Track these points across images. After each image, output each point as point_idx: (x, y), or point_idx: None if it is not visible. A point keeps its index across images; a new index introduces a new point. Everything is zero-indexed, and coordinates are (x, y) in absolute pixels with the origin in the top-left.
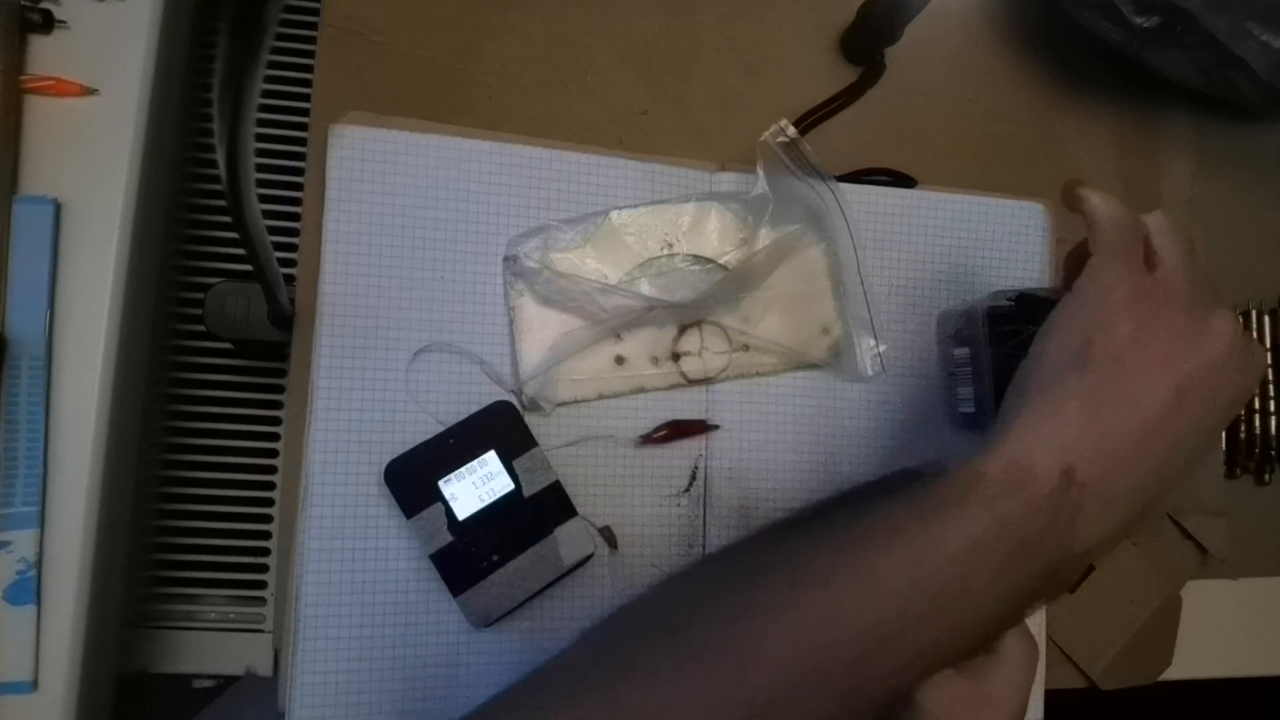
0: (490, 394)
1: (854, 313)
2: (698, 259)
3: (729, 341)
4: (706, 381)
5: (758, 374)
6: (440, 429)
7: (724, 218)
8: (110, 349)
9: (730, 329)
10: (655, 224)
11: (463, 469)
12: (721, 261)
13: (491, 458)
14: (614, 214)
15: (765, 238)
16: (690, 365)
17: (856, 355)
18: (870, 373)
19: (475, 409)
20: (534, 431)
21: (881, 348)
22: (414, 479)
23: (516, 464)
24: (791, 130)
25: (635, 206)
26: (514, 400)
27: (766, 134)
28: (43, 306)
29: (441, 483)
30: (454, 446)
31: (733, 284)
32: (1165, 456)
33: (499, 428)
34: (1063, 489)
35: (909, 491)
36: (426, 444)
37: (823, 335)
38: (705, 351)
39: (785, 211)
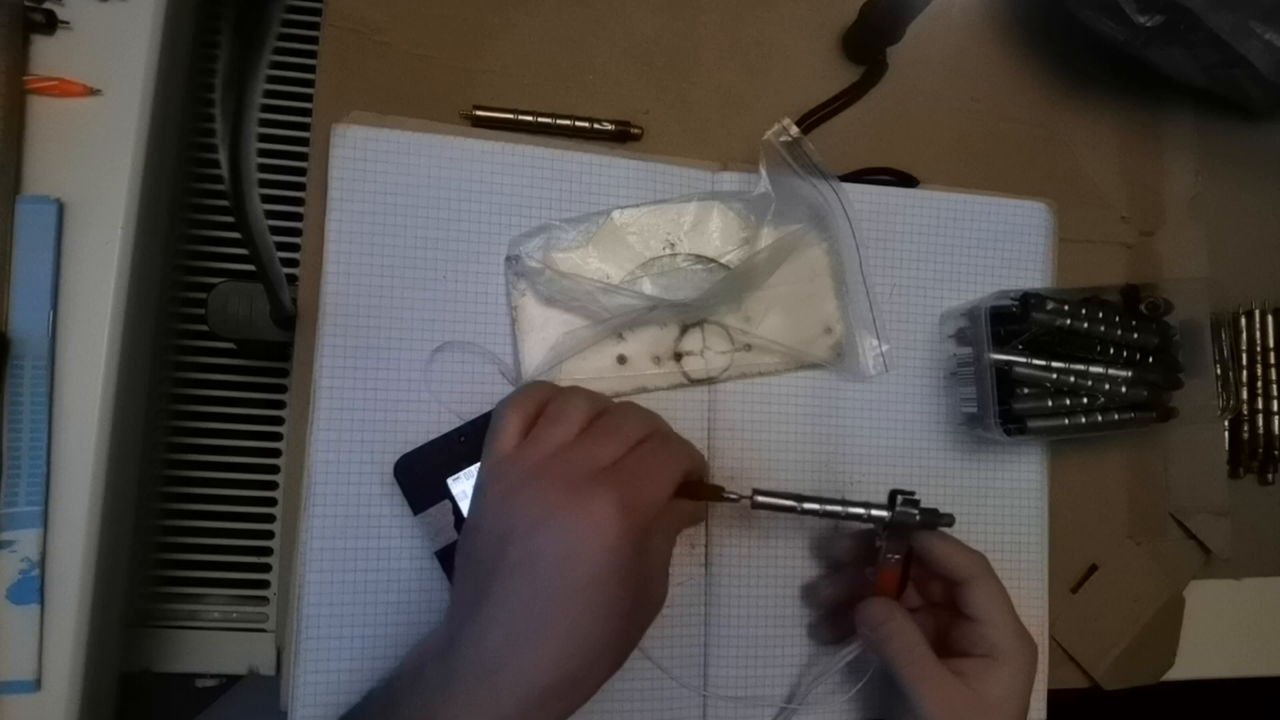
0: (502, 393)
1: (856, 312)
2: (700, 258)
3: (731, 341)
4: (709, 381)
5: (760, 374)
6: (451, 424)
7: (726, 217)
8: (113, 349)
9: (732, 328)
10: (657, 223)
11: (472, 468)
12: (723, 261)
13: None
14: (616, 213)
15: (767, 237)
16: (692, 365)
17: (859, 355)
18: (873, 372)
19: (486, 408)
20: None
21: (884, 347)
22: (423, 476)
23: None
24: (794, 129)
25: (637, 206)
26: None
27: (769, 133)
28: (46, 306)
29: (450, 480)
30: (464, 445)
31: (735, 283)
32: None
33: None
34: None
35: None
36: (436, 441)
37: (825, 335)
38: (707, 351)
39: (788, 211)
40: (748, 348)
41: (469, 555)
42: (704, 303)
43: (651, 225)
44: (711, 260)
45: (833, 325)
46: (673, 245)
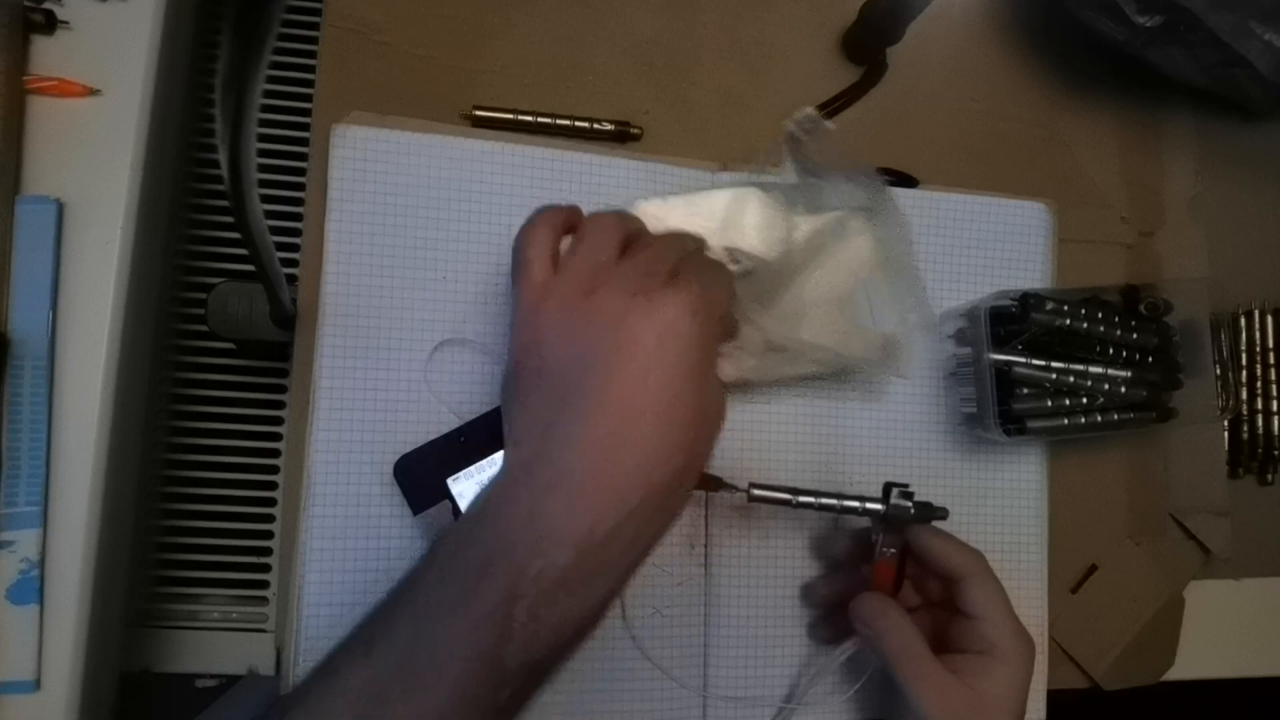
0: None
1: (907, 307)
2: (731, 252)
3: (766, 342)
4: (743, 386)
5: (799, 377)
6: (451, 424)
7: (761, 207)
8: (113, 349)
9: (768, 328)
10: (686, 214)
11: (471, 468)
12: (757, 254)
13: (501, 458)
14: (640, 204)
15: (806, 228)
16: (724, 368)
17: (910, 354)
18: (926, 371)
19: (487, 408)
20: None
21: (944, 349)
22: (423, 475)
23: None
24: (816, 116)
25: (664, 197)
26: None
27: (790, 122)
28: (45, 306)
29: (450, 480)
30: (464, 445)
31: (769, 278)
32: (615, 423)
33: None
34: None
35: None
36: (436, 441)
37: (873, 331)
38: (739, 352)
39: (822, 199)
40: (784, 349)
41: (532, 375)
42: (736, 300)
43: (680, 216)
44: (745, 254)
45: (882, 320)
46: (704, 237)
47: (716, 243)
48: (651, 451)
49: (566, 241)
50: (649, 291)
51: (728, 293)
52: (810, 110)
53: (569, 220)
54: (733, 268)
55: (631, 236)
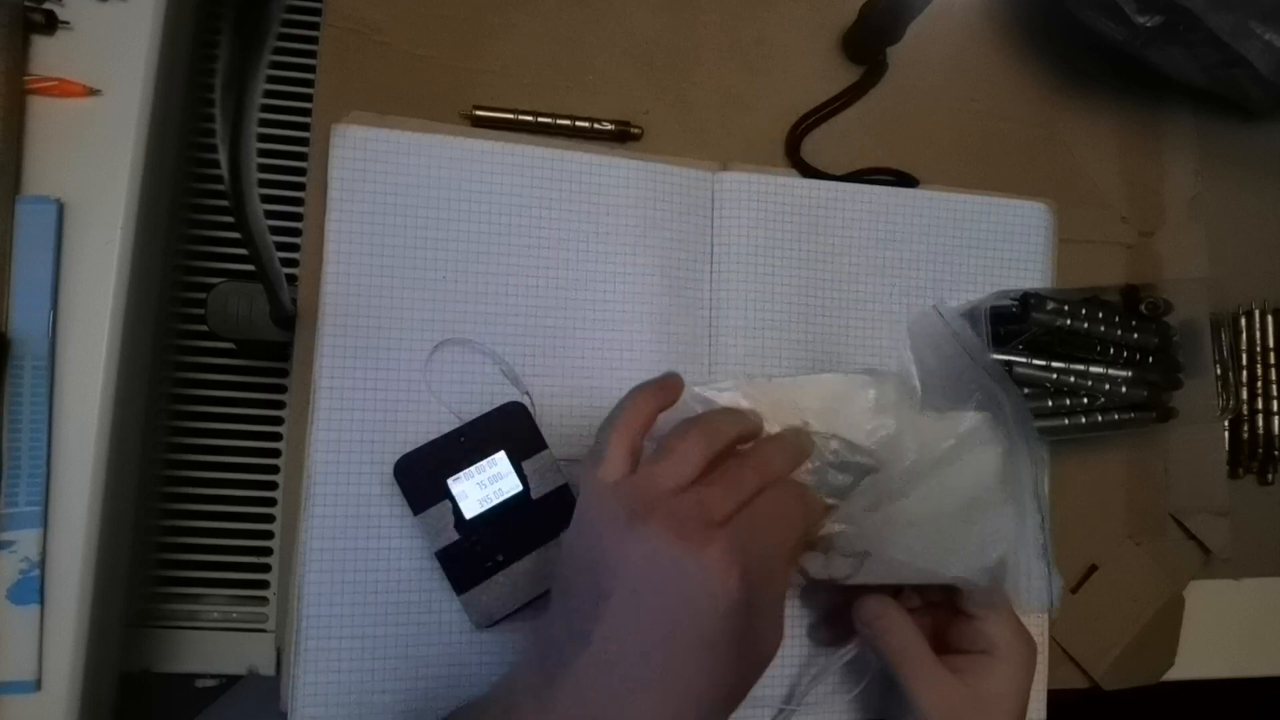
0: (501, 394)
1: (1025, 532)
2: (834, 440)
3: (863, 544)
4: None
5: (898, 581)
6: (451, 425)
7: (876, 396)
8: (113, 349)
9: (869, 538)
10: (794, 393)
11: (472, 468)
12: (863, 446)
13: (501, 458)
14: (745, 382)
15: (927, 430)
16: (812, 564)
17: (1022, 582)
18: (1039, 607)
19: (487, 408)
20: (545, 435)
21: (1057, 581)
22: (423, 475)
23: (526, 466)
24: (949, 310)
25: (769, 377)
26: (526, 401)
27: (920, 313)
28: (46, 306)
29: (450, 480)
30: (464, 445)
31: (881, 479)
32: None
33: (510, 429)
34: None
35: None
36: (437, 441)
37: (981, 551)
38: (832, 552)
39: (945, 397)
40: (883, 561)
41: (566, 587)
42: (837, 496)
43: (787, 395)
44: (849, 444)
45: (995, 541)
46: (807, 423)
47: (822, 427)
48: (661, 710)
49: (662, 418)
50: (694, 538)
51: (800, 526)
52: (934, 305)
53: (666, 399)
54: (835, 453)
55: (720, 457)
